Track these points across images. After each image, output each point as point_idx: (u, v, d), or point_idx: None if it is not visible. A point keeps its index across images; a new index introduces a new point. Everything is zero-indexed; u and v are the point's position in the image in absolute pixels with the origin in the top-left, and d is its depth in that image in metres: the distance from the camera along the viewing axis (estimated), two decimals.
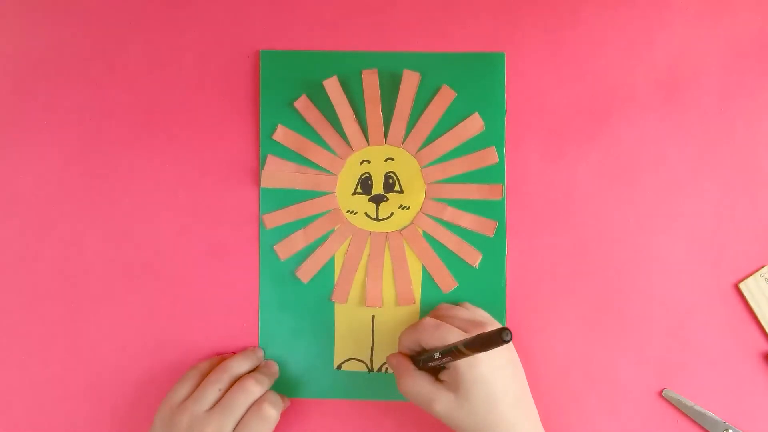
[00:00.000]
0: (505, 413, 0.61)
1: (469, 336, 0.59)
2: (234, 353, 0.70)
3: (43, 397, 0.71)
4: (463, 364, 0.61)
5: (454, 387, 0.61)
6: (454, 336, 0.62)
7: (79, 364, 0.71)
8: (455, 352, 0.59)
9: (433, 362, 0.62)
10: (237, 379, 0.67)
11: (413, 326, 0.65)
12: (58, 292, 0.71)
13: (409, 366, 0.65)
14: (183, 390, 0.66)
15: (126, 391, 0.71)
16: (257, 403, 0.65)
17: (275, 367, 0.70)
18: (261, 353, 0.70)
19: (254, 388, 0.65)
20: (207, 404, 0.64)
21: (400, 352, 0.67)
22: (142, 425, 0.70)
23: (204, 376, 0.67)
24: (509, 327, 0.66)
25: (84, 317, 0.71)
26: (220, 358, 0.69)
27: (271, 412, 0.65)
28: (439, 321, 0.64)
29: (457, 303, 0.70)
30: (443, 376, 0.63)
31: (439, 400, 0.62)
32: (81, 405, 0.71)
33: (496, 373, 0.61)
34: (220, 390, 0.65)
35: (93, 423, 0.71)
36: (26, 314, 0.71)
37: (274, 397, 0.67)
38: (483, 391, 0.61)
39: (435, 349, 0.62)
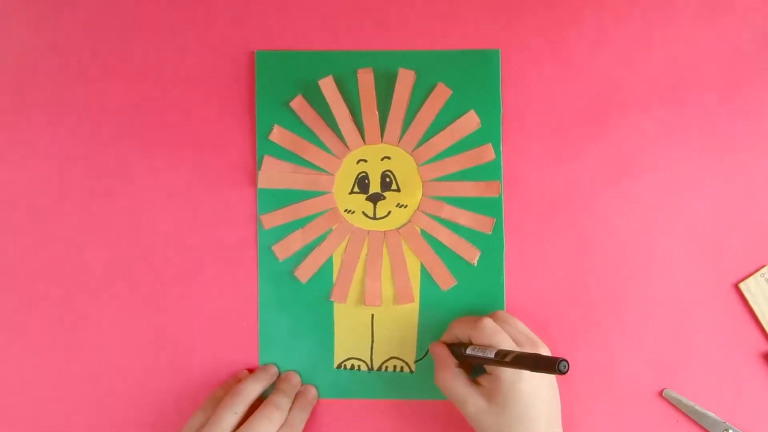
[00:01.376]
0: (536, 430, 0.61)
1: (527, 351, 0.60)
2: (249, 370, 0.71)
3: (43, 397, 0.72)
4: (508, 375, 0.61)
5: (491, 394, 0.62)
6: (506, 345, 0.62)
7: (79, 364, 0.72)
8: (505, 360, 0.59)
9: (480, 360, 0.63)
10: (252, 403, 0.66)
11: (471, 322, 0.65)
12: (58, 292, 0.72)
13: (450, 361, 0.66)
14: (199, 418, 0.66)
15: (125, 391, 0.71)
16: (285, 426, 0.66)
17: (296, 379, 0.70)
18: (274, 370, 0.70)
19: (276, 416, 0.65)
20: (227, 430, 0.64)
21: (442, 342, 0.68)
22: (141, 425, 0.71)
23: None
24: None
25: (84, 317, 0.72)
26: (235, 380, 0.69)
27: (297, 424, 0.66)
28: (498, 327, 0.64)
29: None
30: (483, 380, 0.64)
31: (473, 403, 0.62)
32: (81, 405, 0.72)
33: (537, 394, 0.62)
34: (236, 414, 0.64)
35: (93, 423, 0.72)
36: (26, 314, 0.72)
37: (301, 408, 0.68)
38: (519, 407, 0.61)
39: (488, 348, 0.62)
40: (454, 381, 0.64)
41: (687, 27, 0.69)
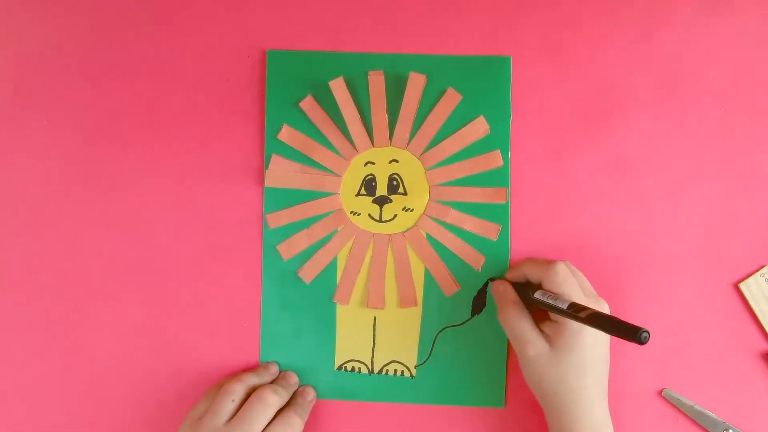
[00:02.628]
0: (588, 384, 0.62)
1: (600, 311, 0.59)
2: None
3: (43, 397, 0.71)
4: (573, 325, 0.62)
5: (554, 340, 0.62)
6: (576, 295, 0.62)
7: (79, 364, 0.71)
8: (579, 315, 0.59)
9: (548, 307, 0.63)
10: (252, 391, 0.67)
11: (543, 264, 0.65)
12: (58, 292, 0.71)
13: (517, 300, 0.66)
14: (202, 407, 0.66)
15: (126, 391, 0.71)
16: (284, 412, 0.66)
17: (294, 378, 0.70)
18: (275, 368, 0.70)
19: (271, 399, 0.65)
20: (224, 417, 0.64)
21: (508, 280, 0.68)
22: (142, 425, 0.70)
23: None
24: None
25: (84, 317, 0.71)
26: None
27: (296, 420, 0.66)
28: (570, 274, 0.63)
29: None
30: (546, 327, 0.64)
31: (536, 345, 0.63)
32: (81, 405, 0.71)
33: (597, 348, 0.63)
34: (233, 401, 0.65)
35: (93, 423, 0.71)
36: (26, 314, 0.71)
37: (300, 407, 0.68)
38: (579, 357, 0.62)
39: (560, 298, 0.62)
40: (520, 319, 0.64)
41: (687, 27, 0.70)
